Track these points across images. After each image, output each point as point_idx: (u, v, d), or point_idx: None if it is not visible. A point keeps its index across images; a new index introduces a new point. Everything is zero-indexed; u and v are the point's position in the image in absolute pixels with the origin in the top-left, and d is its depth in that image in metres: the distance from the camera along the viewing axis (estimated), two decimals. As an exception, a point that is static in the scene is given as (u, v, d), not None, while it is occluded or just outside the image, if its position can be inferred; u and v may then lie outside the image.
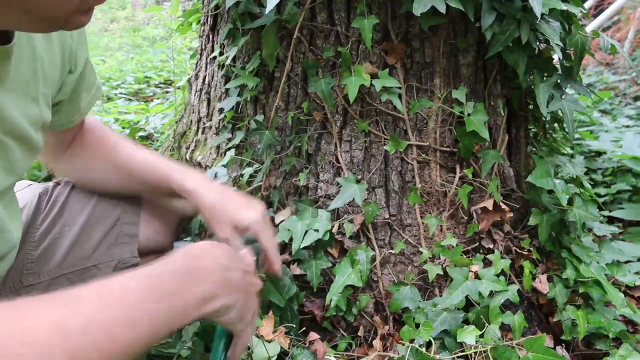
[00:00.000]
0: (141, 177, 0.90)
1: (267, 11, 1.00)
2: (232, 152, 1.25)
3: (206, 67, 1.42)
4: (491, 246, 1.16)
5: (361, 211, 1.13)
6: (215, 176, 1.25)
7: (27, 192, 0.91)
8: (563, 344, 1.12)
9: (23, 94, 0.62)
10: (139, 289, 0.45)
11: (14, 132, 0.61)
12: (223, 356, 0.62)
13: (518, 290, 1.09)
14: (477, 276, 1.08)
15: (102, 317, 0.40)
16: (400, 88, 1.11)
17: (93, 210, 0.91)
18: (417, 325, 1.04)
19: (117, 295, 0.43)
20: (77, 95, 0.81)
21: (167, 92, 3.31)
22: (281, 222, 1.13)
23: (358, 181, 1.13)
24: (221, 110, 1.31)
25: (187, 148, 1.47)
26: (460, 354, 0.99)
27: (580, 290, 1.12)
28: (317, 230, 1.07)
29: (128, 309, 0.43)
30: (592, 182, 1.98)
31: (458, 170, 1.16)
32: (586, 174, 2.05)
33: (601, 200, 1.85)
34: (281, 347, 0.98)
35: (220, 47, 1.33)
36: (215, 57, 1.35)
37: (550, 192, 1.17)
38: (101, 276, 0.47)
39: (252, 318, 0.63)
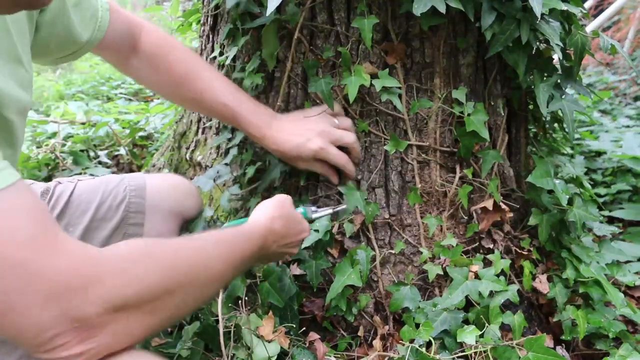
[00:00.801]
0: (210, 112, 1.08)
1: (267, 12, 1.00)
2: (234, 151, 1.25)
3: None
4: (491, 246, 1.16)
5: (361, 211, 1.13)
6: (218, 174, 1.25)
7: None
8: (563, 344, 1.13)
9: (8, 59, 0.61)
10: (222, 251, 0.68)
11: (11, 105, 0.60)
12: None
13: (518, 290, 1.09)
14: (477, 276, 1.08)
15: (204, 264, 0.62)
16: (400, 88, 1.11)
17: (96, 211, 0.91)
18: (417, 325, 1.04)
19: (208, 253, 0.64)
20: (67, 16, 0.78)
21: (167, 92, 3.30)
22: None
23: (358, 186, 1.13)
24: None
25: (187, 148, 1.47)
26: (460, 354, 0.99)
27: (580, 290, 1.12)
28: (317, 231, 1.07)
29: (217, 258, 0.65)
30: (592, 182, 1.98)
31: (458, 170, 1.16)
32: (586, 174, 2.05)
33: (601, 200, 1.85)
34: (281, 347, 0.98)
35: (220, 47, 1.33)
36: (215, 57, 1.35)
37: (550, 192, 1.17)
38: None
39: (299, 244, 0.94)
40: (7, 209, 0.44)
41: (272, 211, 0.85)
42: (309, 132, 1.03)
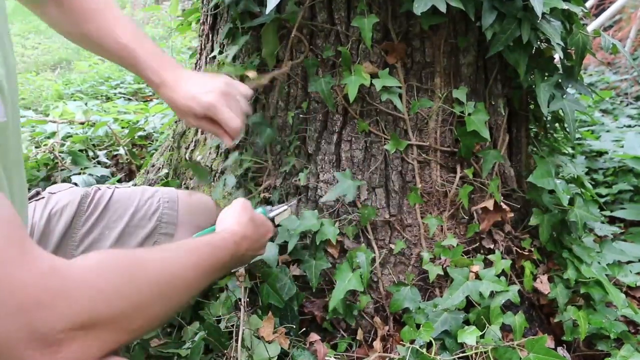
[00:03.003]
0: (109, 54, 0.95)
1: (267, 11, 1.00)
2: (235, 155, 1.24)
3: (206, 67, 1.42)
4: (492, 246, 1.16)
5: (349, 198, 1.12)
6: (225, 184, 1.26)
7: (68, 192, 0.95)
8: (564, 345, 1.12)
9: None
10: (193, 258, 0.67)
11: None
12: None
13: (519, 290, 1.09)
14: (477, 276, 1.08)
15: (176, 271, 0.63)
16: (400, 88, 1.11)
17: (131, 218, 0.96)
18: (418, 326, 1.03)
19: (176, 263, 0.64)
20: None
21: (167, 91, 3.30)
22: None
23: (354, 179, 1.12)
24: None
25: (187, 148, 1.47)
26: (461, 354, 0.98)
27: (582, 291, 1.12)
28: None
29: (187, 268, 0.65)
30: (593, 182, 1.98)
31: (459, 170, 1.16)
32: (587, 174, 2.04)
33: (602, 200, 1.84)
34: (281, 348, 0.98)
35: (220, 46, 1.32)
36: (215, 57, 1.34)
37: (551, 192, 1.17)
38: None
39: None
40: None
41: (241, 217, 0.85)
42: (209, 86, 0.93)
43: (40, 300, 0.44)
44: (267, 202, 1.20)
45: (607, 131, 2.48)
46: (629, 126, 2.66)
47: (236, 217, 0.86)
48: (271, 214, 1.03)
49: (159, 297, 0.56)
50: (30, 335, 0.44)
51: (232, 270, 0.97)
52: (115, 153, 2.06)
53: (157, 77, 0.93)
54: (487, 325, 1.01)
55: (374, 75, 1.09)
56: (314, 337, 1.05)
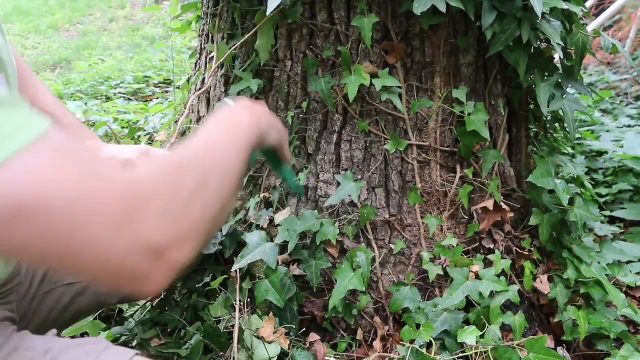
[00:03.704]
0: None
1: (268, 12, 1.00)
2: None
3: (206, 67, 1.42)
4: (492, 246, 1.16)
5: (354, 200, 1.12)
6: None
7: None
8: (564, 345, 1.12)
9: None
10: (221, 136, 0.62)
11: None
12: (283, 167, 0.83)
13: (519, 290, 1.09)
14: (477, 276, 1.08)
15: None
16: (400, 88, 1.11)
17: None
18: (418, 326, 1.03)
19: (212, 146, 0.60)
20: None
21: (167, 91, 3.30)
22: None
23: (356, 180, 1.12)
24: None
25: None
26: (461, 354, 0.98)
27: (582, 291, 1.12)
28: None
29: (224, 149, 0.60)
30: (593, 182, 1.98)
31: (459, 170, 1.16)
32: (587, 174, 2.04)
33: (602, 200, 1.84)
34: (281, 349, 0.98)
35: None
36: (214, 57, 1.34)
37: (551, 192, 1.17)
38: None
39: (285, 137, 0.82)
40: (52, 155, 0.43)
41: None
42: (127, 148, 0.97)
43: (132, 211, 0.44)
44: (267, 202, 1.20)
45: (607, 131, 2.48)
46: (629, 126, 2.65)
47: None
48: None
49: (217, 172, 0.56)
50: (137, 244, 0.44)
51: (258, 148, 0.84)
52: (115, 153, 2.06)
53: None
54: (487, 325, 1.01)
55: (374, 75, 1.09)
56: (314, 337, 1.05)
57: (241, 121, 0.66)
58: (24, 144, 0.42)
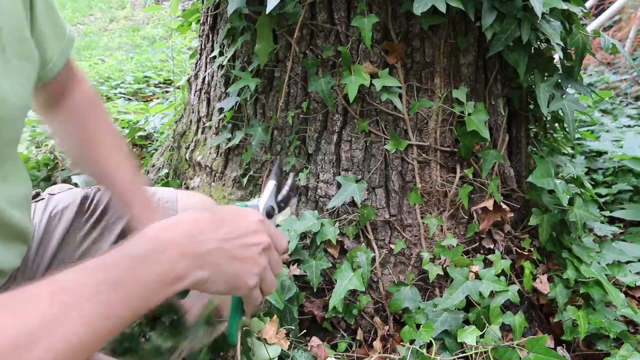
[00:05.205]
0: (106, 187, 0.90)
1: (267, 10, 1.00)
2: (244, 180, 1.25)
3: (206, 67, 1.42)
4: (492, 246, 1.16)
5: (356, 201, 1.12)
6: (224, 184, 1.26)
7: (69, 194, 0.95)
8: (564, 345, 1.12)
9: None
10: (91, 284, 0.42)
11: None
12: (238, 316, 0.62)
13: (518, 290, 1.09)
14: (477, 276, 1.08)
15: (55, 320, 0.39)
16: (400, 88, 1.11)
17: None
18: (418, 326, 1.03)
19: (70, 293, 0.41)
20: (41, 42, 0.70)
21: (167, 91, 3.30)
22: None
23: (357, 181, 1.12)
24: (221, 110, 1.31)
25: (187, 148, 1.47)
26: (460, 354, 0.98)
27: (581, 291, 1.12)
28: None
29: (81, 307, 0.40)
30: (592, 182, 1.98)
31: (458, 170, 1.16)
32: (587, 174, 2.04)
33: (602, 200, 1.84)
34: (282, 350, 0.98)
35: (220, 46, 1.32)
36: (215, 57, 1.34)
37: (551, 192, 1.17)
38: None
39: (266, 277, 0.56)
40: None
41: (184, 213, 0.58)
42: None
43: None
44: None
45: (607, 131, 2.48)
46: (629, 126, 2.66)
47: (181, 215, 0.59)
48: (249, 203, 0.98)
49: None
50: None
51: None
52: (116, 153, 2.06)
53: (139, 225, 0.83)
54: (487, 325, 1.01)
55: (374, 75, 1.09)
56: (316, 341, 1.05)
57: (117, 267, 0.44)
58: None
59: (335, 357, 1.03)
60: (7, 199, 0.67)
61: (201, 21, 1.47)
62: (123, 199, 0.86)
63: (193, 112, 1.49)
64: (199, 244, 0.49)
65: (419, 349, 0.97)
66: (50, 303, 0.39)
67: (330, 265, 1.09)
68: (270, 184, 0.71)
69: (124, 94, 3.27)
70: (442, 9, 0.98)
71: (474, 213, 1.16)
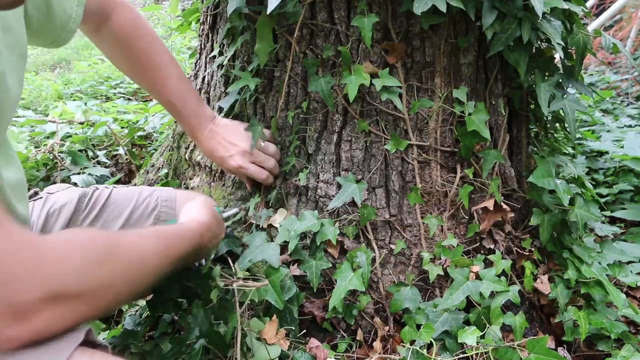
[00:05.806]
0: (159, 101, 1.12)
1: (268, 10, 1.00)
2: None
3: (205, 67, 1.42)
4: (492, 246, 1.16)
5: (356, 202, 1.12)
6: (224, 185, 1.26)
7: (67, 192, 0.97)
8: (564, 345, 1.12)
9: None
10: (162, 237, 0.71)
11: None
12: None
13: (519, 290, 1.09)
14: (478, 277, 1.07)
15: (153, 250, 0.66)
16: (400, 87, 1.10)
17: (129, 217, 0.98)
18: (418, 326, 1.03)
19: (158, 236, 0.71)
20: None
21: (167, 91, 3.29)
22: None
23: (358, 181, 1.12)
24: (220, 109, 1.30)
25: (187, 148, 1.46)
26: (461, 355, 0.98)
27: (582, 291, 1.12)
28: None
29: (159, 246, 0.68)
30: (593, 182, 1.98)
31: (459, 170, 1.16)
32: (588, 174, 2.04)
33: (603, 200, 1.84)
34: (281, 350, 0.97)
35: (220, 46, 1.32)
36: (214, 57, 1.34)
37: (552, 192, 1.17)
38: None
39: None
40: None
41: (207, 211, 0.89)
42: (233, 148, 1.10)
43: (14, 271, 0.45)
44: (267, 202, 1.20)
45: (608, 131, 2.48)
46: (630, 126, 2.65)
47: (202, 211, 0.89)
48: (224, 215, 1.09)
49: (127, 278, 0.58)
50: (3, 304, 0.44)
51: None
52: (115, 153, 2.06)
53: (193, 134, 1.13)
54: (488, 325, 1.01)
55: (374, 75, 1.08)
56: (314, 342, 1.04)
57: (184, 245, 0.75)
58: None
59: (335, 358, 1.03)
60: (7, 183, 0.68)
61: (201, 21, 1.46)
62: (175, 110, 1.10)
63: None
64: (209, 245, 0.90)
65: (419, 350, 0.97)
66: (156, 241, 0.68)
67: (330, 265, 1.09)
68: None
69: (123, 93, 3.27)
70: (443, 8, 0.98)
71: (475, 213, 1.16)
